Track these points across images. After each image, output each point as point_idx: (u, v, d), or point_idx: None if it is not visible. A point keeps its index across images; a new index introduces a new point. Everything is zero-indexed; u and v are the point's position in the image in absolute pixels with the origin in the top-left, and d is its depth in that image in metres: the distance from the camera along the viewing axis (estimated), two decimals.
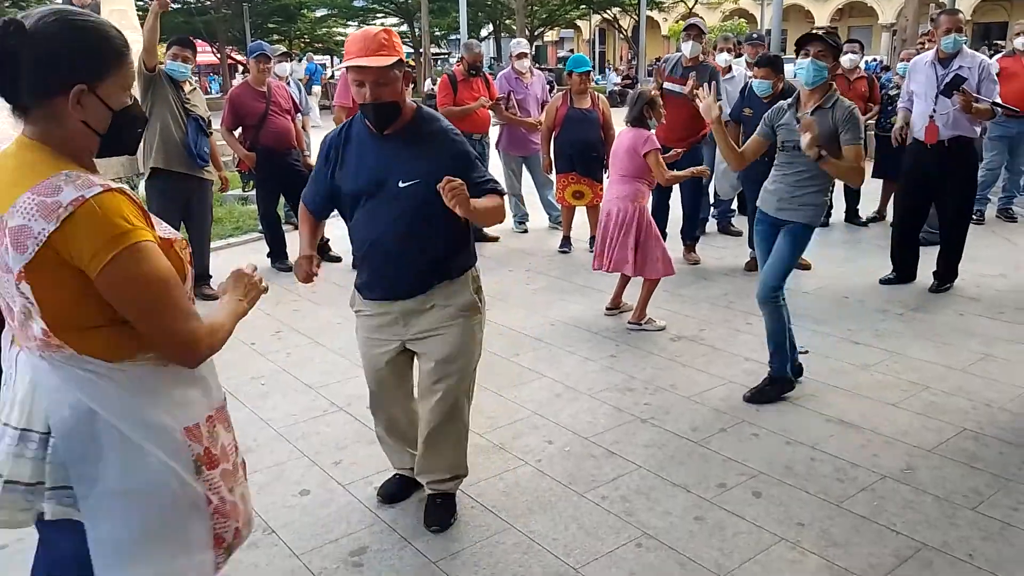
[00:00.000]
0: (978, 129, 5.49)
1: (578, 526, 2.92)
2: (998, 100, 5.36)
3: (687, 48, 6.34)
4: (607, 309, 5.31)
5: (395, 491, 3.13)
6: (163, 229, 1.61)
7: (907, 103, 5.61)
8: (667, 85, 6.31)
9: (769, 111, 3.96)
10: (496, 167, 7.60)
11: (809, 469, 3.28)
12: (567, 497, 3.11)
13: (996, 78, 5.45)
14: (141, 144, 5.47)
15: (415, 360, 2.93)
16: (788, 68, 5.83)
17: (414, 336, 2.80)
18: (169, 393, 1.62)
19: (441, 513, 2.96)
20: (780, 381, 3.91)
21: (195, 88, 5.74)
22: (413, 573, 2.69)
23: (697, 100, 3.89)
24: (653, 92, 5.17)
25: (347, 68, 2.51)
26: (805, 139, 3.56)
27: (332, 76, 27.31)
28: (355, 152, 2.67)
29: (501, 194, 2.72)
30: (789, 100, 3.89)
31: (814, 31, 4.30)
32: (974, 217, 7.46)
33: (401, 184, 2.58)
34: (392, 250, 2.65)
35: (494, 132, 7.78)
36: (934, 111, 5.32)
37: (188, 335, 1.57)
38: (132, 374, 1.57)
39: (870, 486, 3.14)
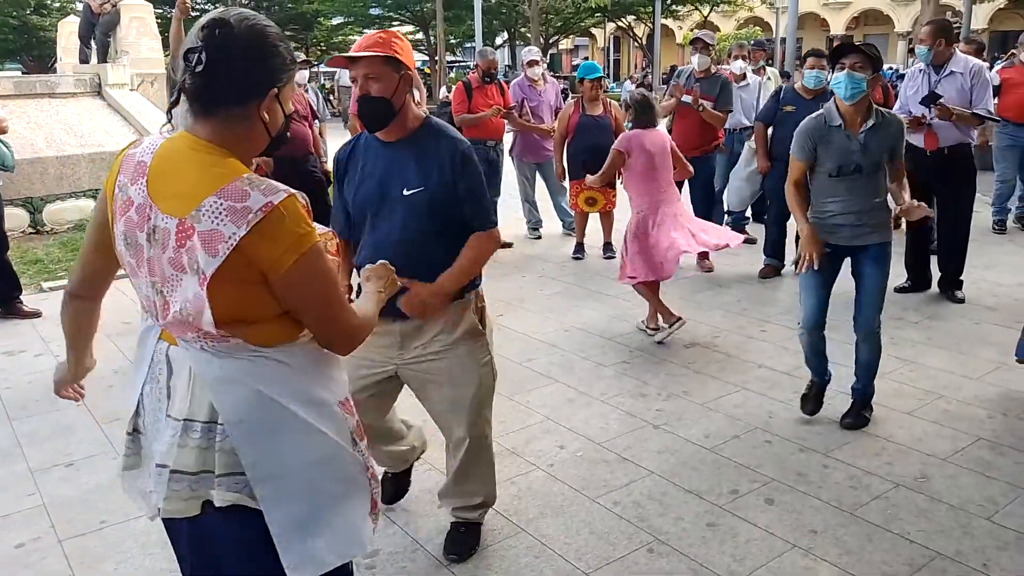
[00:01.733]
0: (975, 134, 5.46)
1: (590, 531, 2.92)
2: (990, 106, 5.33)
3: (695, 61, 6.45)
4: (651, 328, 5.04)
5: (392, 491, 3.09)
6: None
7: (903, 111, 5.58)
8: (685, 98, 6.36)
9: (805, 128, 3.56)
10: (510, 173, 7.66)
11: (822, 476, 3.27)
12: (579, 502, 3.12)
13: (990, 83, 5.41)
14: None
15: (400, 392, 2.82)
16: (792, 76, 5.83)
17: (412, 360, 2.62)
18: (325, 371, 1.69)
19: (464, 541, 2.82)
20: (870, 400, 3.81)
21: None
22: (425, 574, 2.70)
23: (701, 111, 3.89)
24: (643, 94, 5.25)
25: (338, 66, 2.59)
26: (914, 213, 3.46)
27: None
28: (361, 163, 2.60)
29: (492, 227, 2.60)
30: (826, 116, 3.53)
31: (844, 40, 4.27)
32: (995, 228, 7.43)
33: (405, 192, 2.48)
34: (394, 260, 2.33)
35: (508, 139, 7.81)
36: (933, 119, 5.30)
37: (349, 326, 1.65)
38: (295, 356, 1.62)
39: (884, 494, 3.13)
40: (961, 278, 5.59)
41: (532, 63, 7.55)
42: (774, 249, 6.27)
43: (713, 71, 6.49)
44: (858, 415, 3.71)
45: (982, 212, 8.00)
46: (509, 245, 7.45)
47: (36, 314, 5.56)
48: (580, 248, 7.06)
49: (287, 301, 1.55)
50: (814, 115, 3.61)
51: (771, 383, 4.08)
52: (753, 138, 6.32)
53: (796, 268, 3.60)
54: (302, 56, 8.63)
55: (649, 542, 2.85)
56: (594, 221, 7.18)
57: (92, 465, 3.49)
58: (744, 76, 7.15)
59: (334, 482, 1.65)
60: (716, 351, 4.69)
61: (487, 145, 7.14)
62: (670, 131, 6.79)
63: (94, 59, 11.07)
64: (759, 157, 6.19)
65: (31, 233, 8.25)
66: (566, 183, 7.27)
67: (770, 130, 6.04)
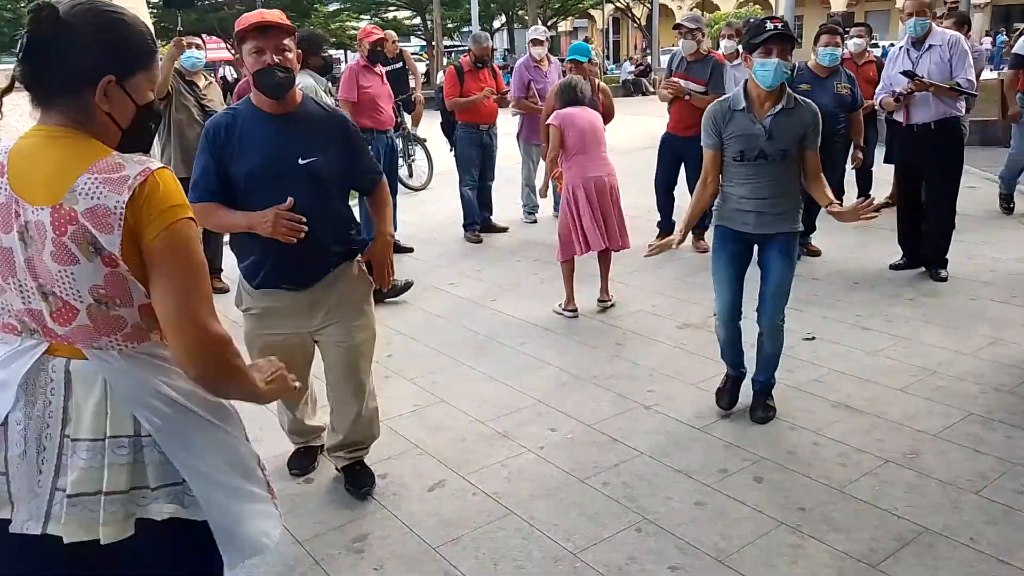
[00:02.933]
0: (962, 107, 5.40)
1: (579, 512, 2.93)
2: (971, 77, 5.27)
3: (681, 46, 6.41)
4: (601, 302, 5.23)
5: (303, 464, 3.33)
6: None
7: (886, 89, 5.54)
8: (688, 84, 6.34)
9: (710, 113, 3.45)
10: (507, 158, 7.63)
11: (812, 454, 3.28)
12: (569, 484, 3.12)
13: (969, 54, 5.34)
14: (159, 151, 5.56)
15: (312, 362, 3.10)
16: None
17: (322, 324, 2.89)
18: None
19: (368, 474, 3.15)
20: (771, 391, 3.73)
21: (210, 82, 5.75)
22: (414, 559, 2.71)
23: (687, 97, 3.83)
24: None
25: (247, 34, 2.63)
26: (849, 217, 3.27)
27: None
28: (248, 134, 2.70)
29: (380, 179, 3.01)
30: (731, 100, 3.42)
31: (838, 18, 4.21)
32: (1005, 205, 7.33)
33: (301, 161, 2.67)
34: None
35: (512, 122, 7.77)
36: (904, 92, 5.27)
37: (207, 328, 1.47)
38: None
39: (873, 471, 3.13)
40: (947, 256, 5.53)
41: (536, 42, 7.47)
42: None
43: (705, 53, 6.44)
44: (766, 407, 3.59)
45: (980, 188, 7.99)
46: (504, 229, 7.44)
47: None
48: None
49: (154, 276, 1.44)
50: (720, 99, 3.54)
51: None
52: None
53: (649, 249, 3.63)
54: None
55: (637, 522, 2.86)
56: None
57: None
58: (737, 54, 7.10)
59: (242, 477, 1.63)
60: (709, 331, 4.65)
61: (480, 129, 7.12)
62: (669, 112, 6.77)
63: None
64: None
65: None
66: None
67: None
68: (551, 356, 4.43)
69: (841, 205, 3.44)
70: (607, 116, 6.74)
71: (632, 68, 28.65)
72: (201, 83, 5.61)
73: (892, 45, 7.20)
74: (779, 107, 3.34)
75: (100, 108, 1.47)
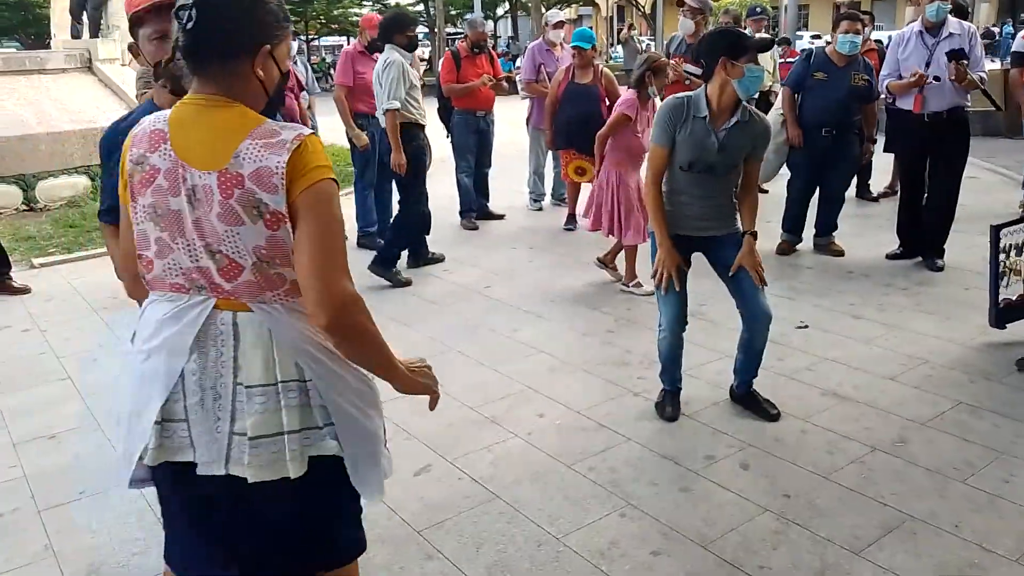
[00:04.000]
0: (970, 98, 5.35)
1: (564, 496, 2.93)
2: (984, 72, 5.22)
3: (681, 25, 6.34)
4: (598, 260, 5.47)
5: None
6: None
7: (892, 73, 5.45)
8: (685, 67, 6.29)
9: (669, 109, 3.26)
10: (508, 143, 7.60)
11: (799, 441, 3.27)
12: (555, 469, 3.13)
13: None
14: None
15: None
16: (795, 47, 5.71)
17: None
18: None
19: None
20: None
21: None
22: (399, 542, 2.71)
23: (687, 83, 3.78)
24: (663, 60, 5.12)
25: (145, 17, 2.06)
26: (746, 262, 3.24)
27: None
28: None
29: None
30: (693, 103, 3.24)
31: (851, 7, 4.12)
32: None
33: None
34: None
35: (522, 107, 7.73)
36: (928, 82, 5.18)
37: (343, 287, 1.52)
38: None
39: (860, 458, 3.13)
40: (944, 246, 5.52)
41: (559, 24, 7.41)
42: (793, 224, 5.96)
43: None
44: (769, 402, 3.50)
45: (980, 178, 7.95)
46: (501, 217, 7.43)
47: (25, 290, 5.57)
48: (572, 219, 7.01)
49: (300, 230, 1.51)
50: (679, 95, 3.30)
51: None
52: (782, 106, 5.88)
53: (654, 282, 3.40)
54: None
55: (622, 507, 2.86)
56: (586, 192, 7.12)
57: (74, 437, 3.51)
58: None
59: (378, 421, 1.75)
60: (703, 319, 4.66)
61: (477, 115, 7.10)
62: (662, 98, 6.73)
63: (85, 34, 11.00)
64: (789, 126, 5.70)
65: (24, 210, 8.24)
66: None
67: (798, 96, 5.69)
68: (543, 342, 4.43)
69: (755, 239, 3.32)
70: (612, 102, 6.73)
71: (620, 48, 28.35)
72: None
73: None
74: (735, 119, 3.22)
75: (256, 76, 1.56)
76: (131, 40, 2.18)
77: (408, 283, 5.54)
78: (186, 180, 1.52)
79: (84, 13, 11.01)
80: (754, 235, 3.33)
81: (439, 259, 6.01)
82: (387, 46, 5.55)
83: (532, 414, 3.58)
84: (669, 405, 3.49)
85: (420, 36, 5.77)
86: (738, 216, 3.41)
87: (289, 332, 1.58)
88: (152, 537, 2.78)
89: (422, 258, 5.96)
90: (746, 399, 3.54)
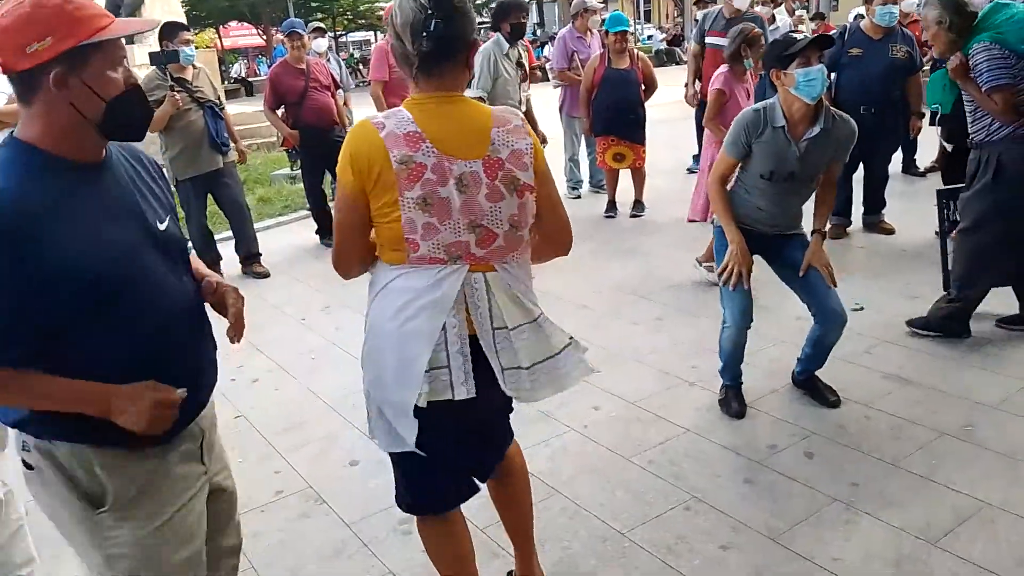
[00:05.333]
0: None
1: (625, 490, 2.90)
2: None
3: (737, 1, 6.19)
4: (697, 260, 5.17)
5: None
6: None
7: None
8: (708, 39, 6.16)
9: (743, 123, 3.18)
10: (549, 132, 7.51)
11: (863, 428, 3.20)
12: (614, 462, 3.09)
13: None
14: (169, 156, 5.53)
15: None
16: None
17: (214, 464, 1.91)
18: None
19: None
20: None
21: (199, 70, 5.66)
22: None
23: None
24: (756, 31, 4.94)
25: (99, 43, 1.48)
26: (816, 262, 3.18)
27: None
28: (71, 209, 1.49)
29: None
30: (769, 113, 3.15)
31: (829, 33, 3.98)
32: None
33: (160, 226, 1.67)
34: (186, 332, 1.73)
35: (553, 95, 7.65)
36: None
37: (567, 219, 2.09)
38: None
39: (928, 444, 3.05)
40: None
41: (593, 10, 7.28)
42: (840, 206, 5.73)
43: (746, 11, 6.26)
44: (831, 389, 3.45)
45: None
46: None
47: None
48: (612, 206, 6.93)
49: (538, 196, 1.93)
50: (755, 107, 3.21)
51: None
52: None
53: (720, 281, 3.30)
54: (315, 24, 8.32)
55: (686, 500, 2.82)
56: (624, 177, 7.05)
57: None
58: (773, 19, 6.92)
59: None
60: (754, 305, 4.58)
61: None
62: (699, 76, 6.60)
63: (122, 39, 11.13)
64: None
65: None
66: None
67: (833, 75, 5.49)
68: (590, 333, 4.37)
69: (823, 239, 3.28)
70: (650, 87, 6.65)
71: (663, 36, 28.11)
72: (189, 74, 5.53)
73: None
74: (818, 128, 3.11)
75: (468, 66, 1.89)
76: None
77: None
78: (452, 171, 1.79)
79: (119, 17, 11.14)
80: (824, 234, 3.27)
81: None
82: (494, 35, 5.63)
83: (587, 407, 3.55)
84: (734, 401, 3.42)
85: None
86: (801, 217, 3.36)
87: (523, 282, 1.94)
88: None
89: None
90: (807, 385, 3.47)
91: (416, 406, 1.86)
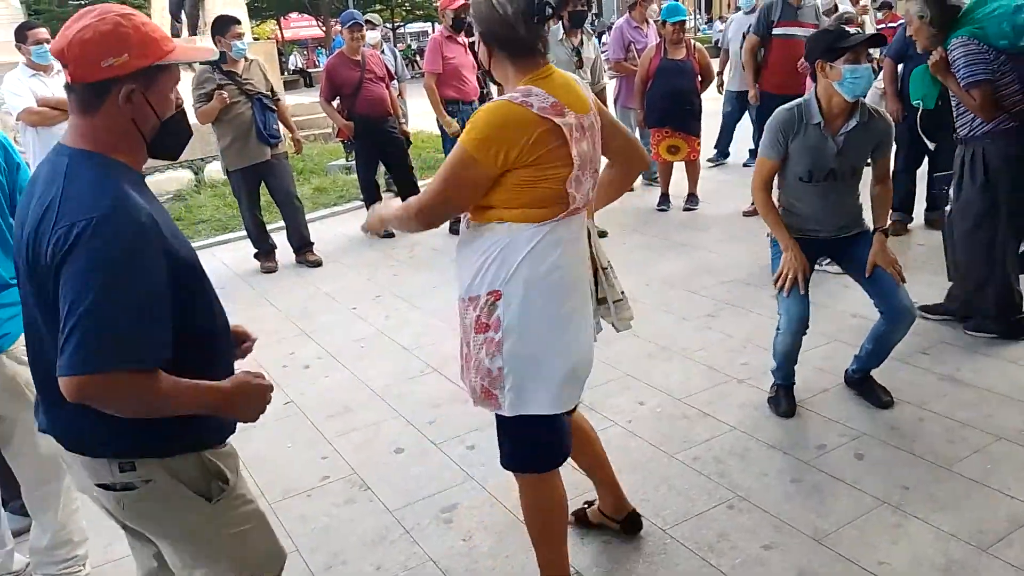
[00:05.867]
0: None
1: (668, 487, 2.88)
2: None
3: None
4: None
5: None
6: None
7: None
8: (778, 30, 6.05)
9: (778, 123, 3.14)
10: None
11: (916, 430, 3.12)
12: (657, 458, 3.07)
13: None
14: (222, 148, 5.72)
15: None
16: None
17: None
18: None
19: None
20: None
21: (251, 61, 5.75)
22: (501, 530, 2.73)
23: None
24: (858, 20, 4.77)
25: (167, 65, 1.58)
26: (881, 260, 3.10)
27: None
28: (160, 212, 1.58)
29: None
30: (803, 110, 3.11)
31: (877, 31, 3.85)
32: None
33: None
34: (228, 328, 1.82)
35: (610, 86, 7.57)
36: None
37: None
38: None
39: (983, 448, 2.96)
40: None
41: (647, 1, 7.22)
42: (901, 202, 5.55)
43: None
44: (884, 389, 3.37)
45: None
46: None
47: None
48: (665, 199, 6.87)
49: (605, 134, 2.16)
50: (787, 107, 3.16)
51: (864, 333, 3.89)
52: (882, 77, 5.50)
53: (776, 285, 3.22)
54: (367, 17, 8.27)
55: (729, 498, 2.79)
56: (679, 170, 6.96)
57: None
58: (835, 8, 6.75)
59: None
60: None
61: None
62: (761, 68, 6.43)
63: (185, 32, 11.41)
64: (889, 100, 5.33)
65: None
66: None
67: (900, 67, 5.33)
68: (638, 327, 4.28)
69: (887, 236, 3.19)
70: (706, 78, 6.56)
71: (721, 27, 27.61)
72: (240, 67, 5.63)
73: None
74: (854, 122, 3.06)
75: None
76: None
77: None
78: (585, 126, 2.01)
79: (183, 12, 11.41)
80: (886, 232, 3.19)
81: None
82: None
83: (631, 401, 3.53)
84: (784, 400, 3.35)
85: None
86: (862, 214, 3.29)
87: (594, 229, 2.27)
88: None
89: None
90: (860, 384, 3.40)
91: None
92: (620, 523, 2.62)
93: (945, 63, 3.68)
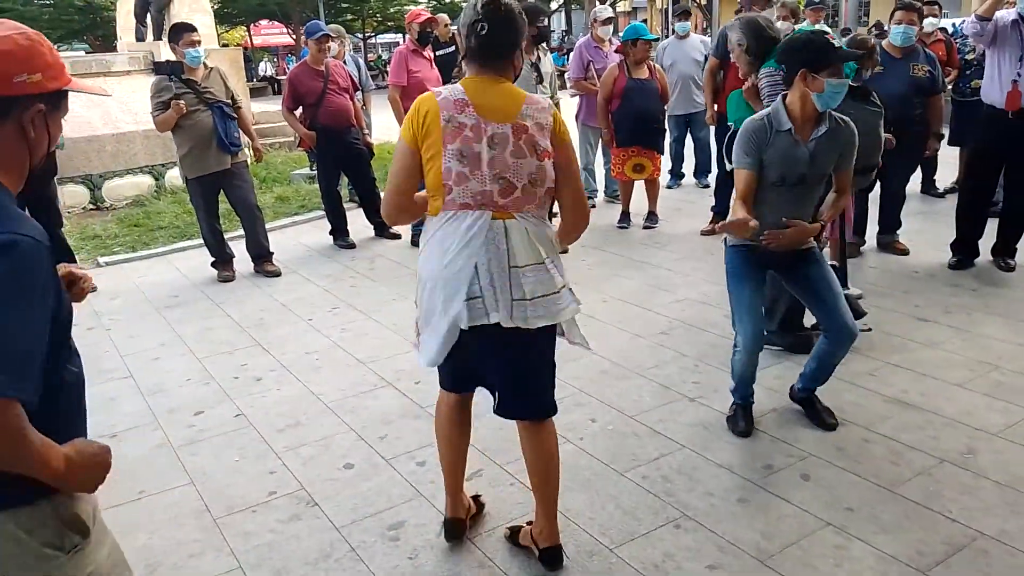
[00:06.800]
0: None
1: (616, 505, 2.89)
2: None
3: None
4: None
5: None
6: None
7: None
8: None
9: (749, 132, 3.12)
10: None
11: (862, 451, 3.16)
12: (607, 476, 3.08)
13: None
14: (179, 156, 5.66)
15: None
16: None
17: None
18: None
19: None
20: None
21: (211, 69, 5.72)
22: (448, 548, 2.70)
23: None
24: (871, 43, 4.65)
25: (66, 92, 1.56)
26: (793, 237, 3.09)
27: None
28: None
29: None
30: (772, 118, 3.11)
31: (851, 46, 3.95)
32: None
33: None
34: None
35: (570, 103, 7.65)
36: (1019, 75, 4.93)
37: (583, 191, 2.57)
38: None
39: (926, 470, 3.01)
40: (1016, 246, 5.27)
41: (608, 20, 7.27)
42: (855, 224, 5.43)
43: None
44: (830, 411, 3.41)
45: None
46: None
47: (91, 289, 5.74)
48: (626, 217, 6.92)
49: (556, 165, 2.33)
50: (756, 117, 3.16)
51: None
52: None
53: (728, 288, 3.29)
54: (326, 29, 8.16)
55: (676, 518, 2.80)
56: (639, 189, 7.02)
57: (134, 436, 3.59)
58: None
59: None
60: None
61: None
62: (719, 90, 6.52)
63: (150, 36, 11.28)
64: None
65: (91, 209, 8.49)
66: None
67: None
68: (594, 344, 4.33)
69: (819, 230, 3.24)
70: (664, 98, 6.65)
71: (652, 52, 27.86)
72: (198, 75, 5.59)
73: (963, 22, 6.79)
74: (824, 128, 3.08)
75: (516, 66, 2.38)
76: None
77: None
78: (487, 131, 2.24)
79: (148, 16, 11.28)
80: (821, 228, 3.22)
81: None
82: None
83: (584, 418, 3.54)
84: (742, 420, 3.37)
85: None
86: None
87: (537, 230, 2.32)
88: (208, 539, 2.82)
89: None
90: (805, 403, 3.44)
91: (461, 329, 2.32)
92: (540, 552, 2.58)
93: (755, 89, 3.87)
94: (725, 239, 3.38)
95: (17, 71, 1.40)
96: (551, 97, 6.25)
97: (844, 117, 3.19)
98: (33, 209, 5.56)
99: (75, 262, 5.88)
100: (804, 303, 3.31)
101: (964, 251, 5.38)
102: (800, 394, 3.46)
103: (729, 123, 4.58)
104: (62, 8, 28.90)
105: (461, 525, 2.74)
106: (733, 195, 3.22)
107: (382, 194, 6.30)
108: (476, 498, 2.91)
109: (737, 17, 5.12)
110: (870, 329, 4.30)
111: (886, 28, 5.89)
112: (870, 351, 4.04)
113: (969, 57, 6.83)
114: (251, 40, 39.58)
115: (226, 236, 6.11)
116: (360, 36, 38.26)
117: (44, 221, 5.44)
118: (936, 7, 7.04)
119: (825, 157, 3.14)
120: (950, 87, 6.95)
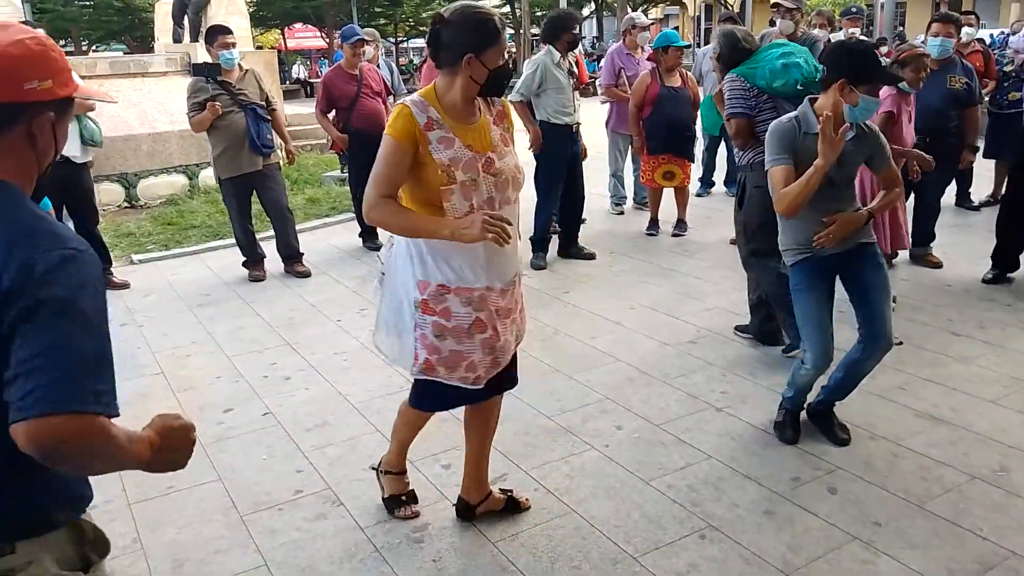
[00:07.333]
0: None
1: (641, 514, 2.88)
2: None
3: (778, 26, 6.15)
4: None
5: None
6: None
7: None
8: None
9: (780, 133, 3.08)
10: (595, 146, 7.54)
11: (891, 466, 3.13)
12: (632, 484, 3.07)
13: None
14: (215, 154, 5.78)
15: None
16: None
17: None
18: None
19: None
20: None
21: (247, 71, 5.80)
22: (472, 552, 2.71)
23: None
24: (913, 51, 4.63)
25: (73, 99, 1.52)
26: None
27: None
28: None
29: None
30: (802, 121, 3.08)
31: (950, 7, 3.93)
32: None
33: None
34: None
35: (600, 109, 7.65)
36: None
37: None
38: None
39: (957, 487, 2.97)
40: None
41: (644, 27, 7.33)
42: None
43: (800, 34, 6.17)
44: (844, 427, 3.37)
45: None
46: (582, 220, 7.35)
47: (125, 285, 5.84)
48: (654, 224, 6.90)
49: None
50: (783, 119, 3.13)
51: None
52: None
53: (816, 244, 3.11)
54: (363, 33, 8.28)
55: (701, 528, 2.78)
56: (668, 196, 7.00)
57: None
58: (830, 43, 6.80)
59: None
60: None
61: None
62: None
63: (186, 38, 11.45)
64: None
65: (126, 207, 8.63)
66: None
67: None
68: (621, 351, 4.36)
69: (867, 218, 3.17)
70: (695, 105, 6.63)
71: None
72: (233, 77, 5.68)
73: (1002, 33, 6.69)
74: (851, 133, 3.04)
75: (465, 74, 2.42)
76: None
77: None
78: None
79: (185, 18, 11.46)
80: (871, 214, 3.16)
81: (590, 256, 6.20)
82: (546, 47, 5.91)
83: (609, 425, 3.53)
84: (790, 428, 3.35)
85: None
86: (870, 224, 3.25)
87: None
88: (235, 536, 2.86)
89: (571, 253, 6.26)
90: (820, 416, 3.40)
91: None
92: (458, 501, 2.92)
93: (721, 95, 4.18)
94: (781, 262, 3.36)
95: (28, 77, 1.35)
96: (544, 110, 6.04)
97: (870, 124, 3.18)
98: (72, 208, 5.67)
99: (110, 261, 5.99)
100: (851, 302, 3.26)
101: (1003, 263, 5.30)
102: (818, 407, 3.42)
103: (704, 130, 4.80)
104: (101, 9, 29.42)
105: (468, 507, 2.90)
106: (776, 200, 3.10)
107: None
108: (509, 494, 2.96)
109: (720, 26, 5.28)
110: (901, 342, 4.25)
111: (922, 39, 5.82)
112: (901, 365, 3.99)
113: (1007, 69, 6.73)
114: (285, 43, 40.01)
115: (257, 236, 6.18)
116: (392, 40, 38.53)
117: (80, 219, 5.60)
118: (973, 16, 6.96)
119: (852, 160, 3.12)
120: (987, 99, 6.85)
